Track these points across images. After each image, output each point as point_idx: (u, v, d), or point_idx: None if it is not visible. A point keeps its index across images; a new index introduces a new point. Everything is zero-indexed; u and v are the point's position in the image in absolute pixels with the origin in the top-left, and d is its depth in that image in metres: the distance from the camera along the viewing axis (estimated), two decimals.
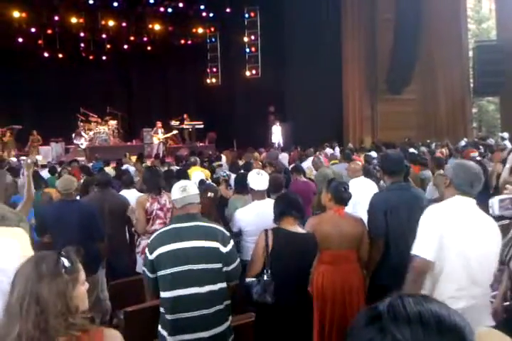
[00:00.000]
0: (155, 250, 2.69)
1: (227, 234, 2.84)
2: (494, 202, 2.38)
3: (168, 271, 2.65)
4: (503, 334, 1.28)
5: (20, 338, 1.49)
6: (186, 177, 5.64)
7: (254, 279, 2.87)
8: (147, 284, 2.89)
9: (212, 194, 5.07)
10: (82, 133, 16.69)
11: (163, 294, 2.68)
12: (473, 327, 0.82)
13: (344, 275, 3.31)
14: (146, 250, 2.78)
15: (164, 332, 2.67)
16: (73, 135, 16.60)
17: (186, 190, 2.83)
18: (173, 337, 2.63)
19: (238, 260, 2.84)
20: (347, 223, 3.38)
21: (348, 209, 3.80)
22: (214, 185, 5.77)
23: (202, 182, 5.52)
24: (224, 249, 2.73)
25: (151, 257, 2.70)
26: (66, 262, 1.61)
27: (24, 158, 12.26)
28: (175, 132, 18.05)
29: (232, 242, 2.81)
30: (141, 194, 5.49)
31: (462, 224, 2.42)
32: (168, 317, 2.65)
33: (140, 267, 4.62)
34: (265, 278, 2.83)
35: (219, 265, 2.72)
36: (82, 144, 16.35)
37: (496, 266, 2.44)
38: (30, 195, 3.73)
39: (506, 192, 2.49)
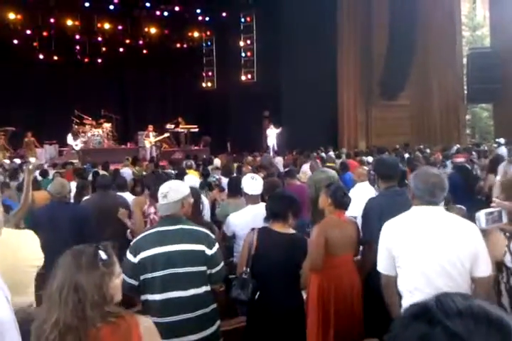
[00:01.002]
0: (139, 253, 2.63)
1: (212, 236, 2.82)
2: (480, 215, 2.36)
3: (153, 274, 2.61)
4: None
5: (58, 324, 1.61)
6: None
7: (234, 276, 2.89)
8: (124, 288, 2.76)
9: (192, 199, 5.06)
10: (79, 135, 16.59)
11: (147, 297, 2.65)
12: None
13: (348, 278, 3.32)
14: (128, 253, 2.69)
15: None
16: (69, 135, 16.41)
17: (167, 196, 2.72)
18: None
19: (222, 263, 2.82)
20: (349, 227, 3.41)
21: (352, 211, 3.80)
22: (196, 189, 5.74)
23: (202, 186, 5.51)
24: (209, 252, 2.71)
25: (133, 260, 2.63)
26: (103, 255, 1.72)
27: (17, 160, 12.18)
28: (166, 135, 17.86)
29: (217, 245, 2.79)
30: (135, 197, 5.47)
31: (416, 236, 2.40)
32: (153, 320, 2.63)
33: None
34: (243, 276, 2.84)
35: (203, 268, 2.70)
36: (76, 145, 16.21)
37: (470, 270, 2.36)
38: (27, 201, 3.72)
39: (493, 205, 2.48)
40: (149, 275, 2.62)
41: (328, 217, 3.45)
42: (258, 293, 2.85)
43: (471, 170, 6.97)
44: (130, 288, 2.68)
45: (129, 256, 2.66)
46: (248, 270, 2.85)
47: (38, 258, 2.72)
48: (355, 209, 3.83)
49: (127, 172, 9.01)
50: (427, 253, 2.36)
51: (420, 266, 2.38)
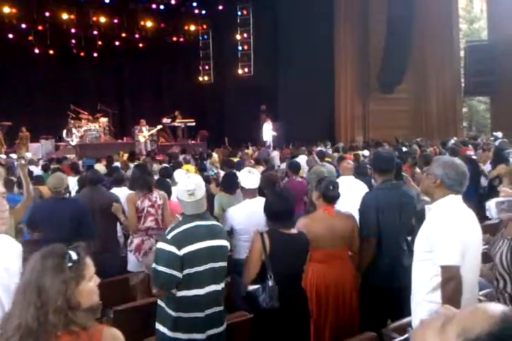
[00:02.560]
0: (184, 247, 2.61)
1: None
2: (491, 204, 2.35)
3: (196, 269, 2.64)
4: None
5: (20, 327, 1.52)
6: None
7: (258, 286, 2.78)
8: (164, 282, 2.65)
9: None
10: (73, 130, 16.50)
11: (182, 293, 2.63)
12: None
13: (337, 273, 3.30)
14: (169, 245, 2.61)
15: (177, 334, 2.61)
16: (64, 131, 16.37)
17: (195, 194, 2.71)
18: (190, 334, 2.62)
19: None
20: (338, 221, 3.37)
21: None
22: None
23: None
24: (229, 247, 2.92)
25: (178, 253, 2.59)
26: (73, 257, 1.61)
27: (13, 155, 12.14)
28: (159, 127, 17.55)
29: None
30: (132, 191, 5.45)
31: (469, 224, 2.43)
32: (185, 316, 2.62)
33: (133, 266, 4.58)
34: (270, 284, 2.75)
35: (226, 263, 2.83)
36: (72, 141, 16.15)
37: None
38: (30, 195, 3.71)
39: (502, 195, 2.47)
40: (192, 270, 2.64)
41: (314, 212, 3.44)
42: None
43: (477, 164, 7.02)
44: (171, 280, 2.61)
45: (171, 248, 2.60)
46: (272, 276, 2.78)
47: None
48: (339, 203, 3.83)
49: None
50: (478, 241, 2.45)
51: (472, 255, 2.41)
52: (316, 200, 3.43)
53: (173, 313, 2.64)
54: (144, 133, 16.74)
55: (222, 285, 2.79)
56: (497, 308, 0.85)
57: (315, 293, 3.28)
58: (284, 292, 2.79)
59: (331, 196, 3.37)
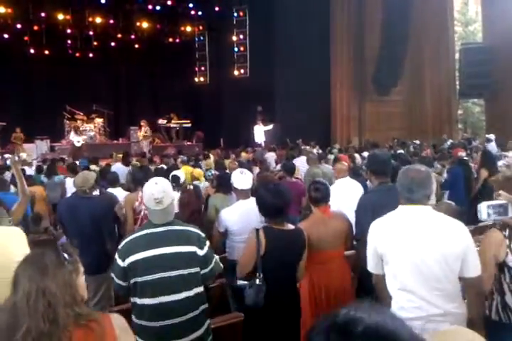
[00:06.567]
0: (127, 257, 2.53)
1: (203, 235, 2.72)
2: (482, 207, 2.31)
3: (144, 278, 2.52)
4: (472, 331, 1.24)
5: (30, 332, 1.50)
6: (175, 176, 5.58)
7: (246, 283, 2.79)
8: (116, 289, 2.76)
9: (191, 186, 5.13)
10: (81, 131, 16.40)
11: (137, 300, 2.56)
12: None
13: (336, 274, 3.32)
14: (117, 256, 2.59)
15: (139, 339, 2.57)
16: (72, 131, 16.12)
17: (162, 202, 2.59)
18: None
19: (214, 260, 2.72)
20: (335, 221, 3.39)
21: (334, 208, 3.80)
22: (198, 186, 5.78)
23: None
24: (201, 252, 2.62)
25: (122, 264, 2.54)
26: (65, 255, 1.65)
27: (8, 155, 12.08)
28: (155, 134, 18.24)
29: (208, 243, 2.70)
30: (127, 192, 5.43)
31: (400, 236, 2.35)
32: (143, 324, 2.54)
33: None
34: (257, 282, 2.74)
35: (196, 269, 2.62)
36: (78, 142, 15.90)
37: (458, 270, 2.31)
38: (25, 193, 3.68)
39: (500, 198, 2.42)
40: (139, 280, 2.53)
41: (312, 214, 3.45)
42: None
43: (469, 166, 7.01)
44: (119, 288, 2.66)
45: (118, 259, 2.58)
46: (261, 275, 2.76)
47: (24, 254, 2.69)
48: (336, 206, 3.83)
49: (121, 167, 8.96)
50: (410, 253, 2.32)
51: (404, 266, 2.34)
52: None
53: (133, 319, 2.58)
54: (141, 133, 16.78)
55: (189, 293, 2.56)
56: None
57: (313, 294, 3.27)
58: (275, 289, 2.77)
59: (312, 197, 3.39)
